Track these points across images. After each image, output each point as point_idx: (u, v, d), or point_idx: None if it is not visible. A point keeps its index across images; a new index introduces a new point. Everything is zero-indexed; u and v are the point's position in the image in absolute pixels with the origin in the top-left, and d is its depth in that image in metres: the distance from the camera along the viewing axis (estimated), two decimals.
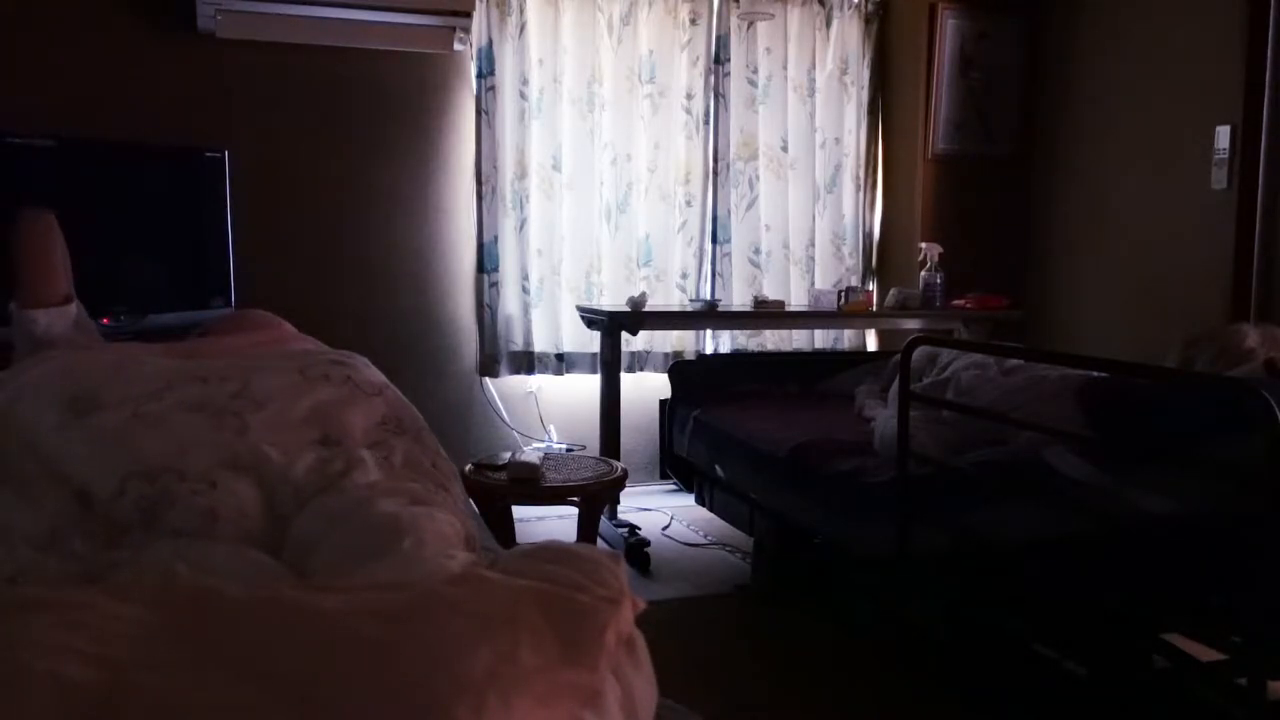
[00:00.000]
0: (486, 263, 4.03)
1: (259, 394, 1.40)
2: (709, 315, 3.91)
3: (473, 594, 0.81)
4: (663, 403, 3.85)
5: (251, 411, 1.36)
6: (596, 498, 3.06)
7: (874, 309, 4.07)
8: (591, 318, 3.88)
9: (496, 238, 4.02)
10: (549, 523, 3.76)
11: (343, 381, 1.48)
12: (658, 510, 4.00)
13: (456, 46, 3.85)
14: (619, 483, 3.09)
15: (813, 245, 4.46)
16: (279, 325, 1.89)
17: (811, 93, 4.42)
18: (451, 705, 0.68)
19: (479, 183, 4.01)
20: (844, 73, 4.46)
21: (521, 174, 4.04)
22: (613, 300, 4.11)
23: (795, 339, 4.58)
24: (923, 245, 4.00)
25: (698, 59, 4.24)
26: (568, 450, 3.81)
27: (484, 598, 0.81)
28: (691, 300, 4.18)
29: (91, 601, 0.79)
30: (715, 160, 4.29)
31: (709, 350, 4.44)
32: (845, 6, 4.43)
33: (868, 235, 4.57)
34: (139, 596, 0.80)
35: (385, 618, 0.76)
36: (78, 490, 1.23)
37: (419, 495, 1.28)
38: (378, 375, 1.58)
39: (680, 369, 3.91)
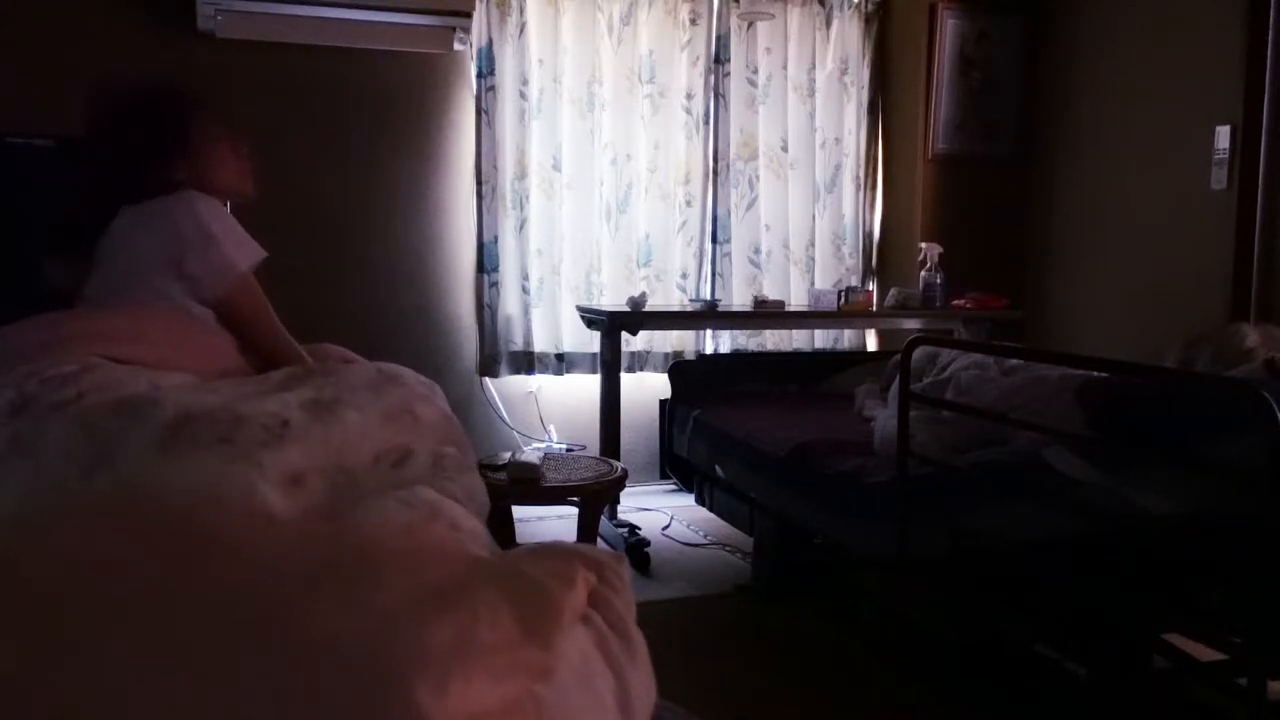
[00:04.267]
0: (486, 263, 4.03)
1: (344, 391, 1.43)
2: (709, 315, 3.91)
3: (428, 566, 0.81)
4: (663, 403, 3.85)
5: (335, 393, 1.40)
6: (596, 498, 3.06)
7: (874, 309, 4.07)
8: (591, 318, 3.88)
9: (496, 238, 4.02)
10: (549, 523, 3.76)
11: (422, 397, 1.51)
12: (658, 510, 4.00)
13: (456, 46, 3.85)
14: (619, 483, 3.09)
15: (813, 245, 4.47)
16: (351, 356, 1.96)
17: (811, 93, 4.42)
18: (410, 682, 0.67)
19: (479, 183, 4.01)
20: (844, 73, 4.46)
21: (521, 174, 4.04)
22: (613, 300, 4.11)
23: (795, 339, 4.59)
24: (923, 245, 4.00)
25: (698, 59, 4.24)
26: (568, 450, 3.81)
27: (439, 571, 0.80)
28: (691, 300, 4.18)
29: (6, 553, 0.78)
30: (715, 160, 4.29)
31: (709, 350, 4.44)
32: (845, 6, 4.43)
33: (868, 235, 4.58)
34: (67, 531, 0.79)
35: (336, 587, 0.75)
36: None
37: (456, 495, 1.30)
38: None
39: (680, 369, 3.90)
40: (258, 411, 1.21)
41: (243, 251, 1.71)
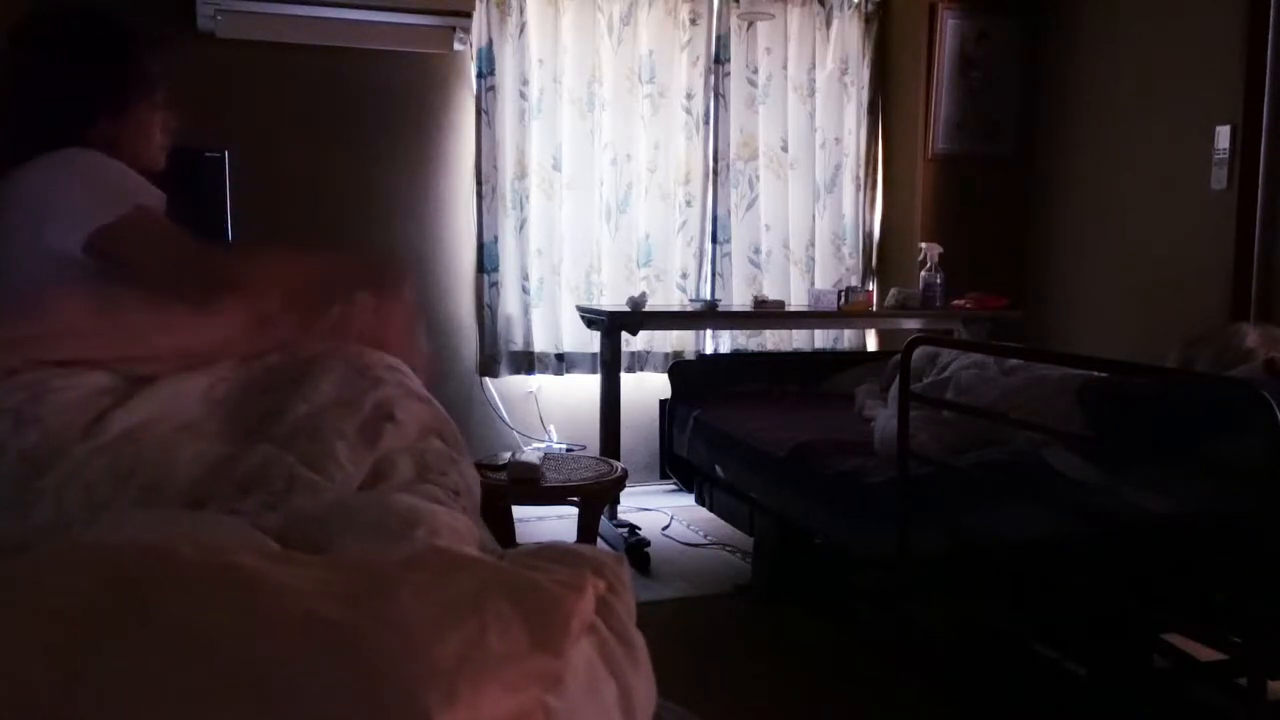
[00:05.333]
0: (486, 263, 4.03)
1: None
2: (709, 315, 3.91)
3: (437, 578, 0.81)
4: (663, 403, 3.85)
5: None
6: (596, 498, 3.06)
7: (874, 309, 4.07)
8: (591, 318, 3.88)
9: (496, 238, 4.02)
10: (549, 523, 3.76)
11: (397, 385, 1.46)
12: (658, 510, 4.00)
13: (456, 46, 3.85)
14: (619, 483, 3.09)
15: (813, 245, 4.47)
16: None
17: (811, 93, 4.42)
18: (423, 693, 0.67)
19: (479, 183, 4.01)
20: (844, 73, 4.46)
21: (521, 174, 4.04)
22: (613, 300, 4.11)
23: (795, 339, 4.59)
24: (923, 245, 4.00)
25: (698, 59, 4.24)
26: (568, 450, 3.81)
27: (449, 582, 0.80)
28: (691, 300, 4.18)
29: (40, 575, 0.78)
30: (715, 160, 4.29)
31: (709, 350, 4.44)
32: (845, 6, 4.43)
33: (868, 235, 4.58)
34: (84, 566, 0.79)
35: (348, 601, 0.75)
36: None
37: (438, 497, 1.29)
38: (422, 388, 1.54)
39: (680, 369, 3.90)
40: (257, 475, 1.20)
41: (141, 188, 1.45)
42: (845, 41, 4.45)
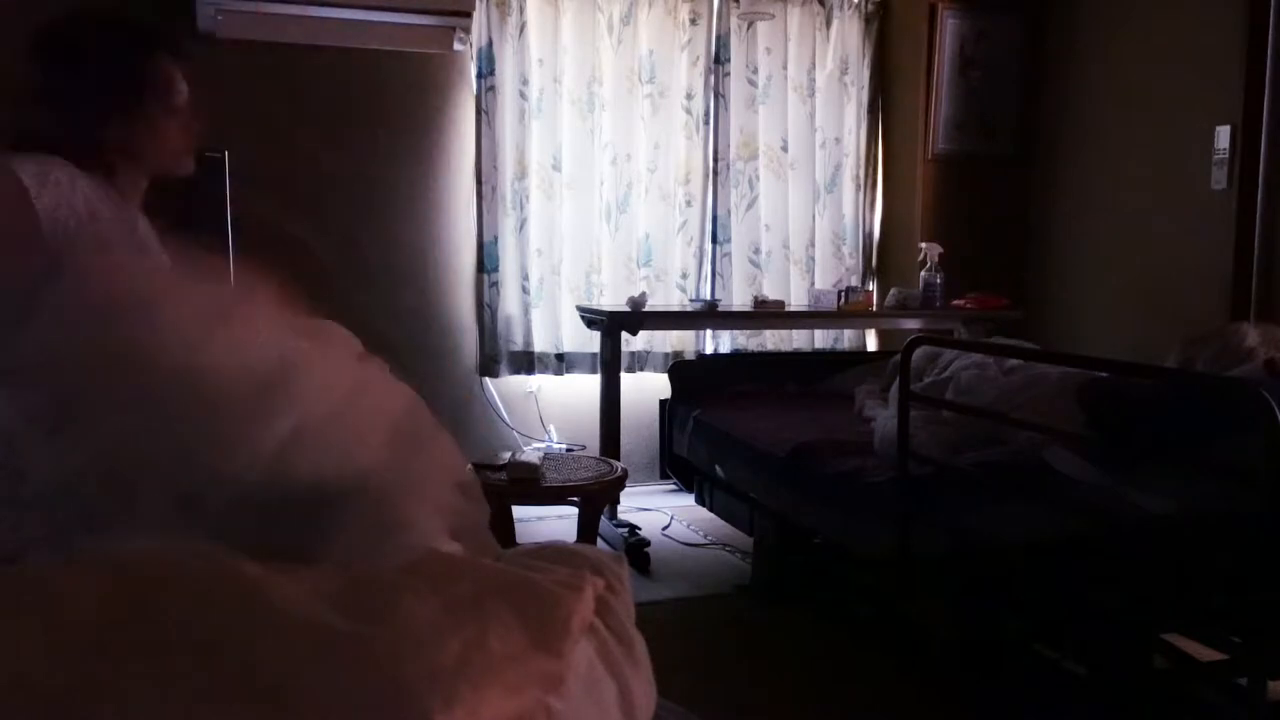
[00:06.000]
0: (486, 263, 4.03)
1: None
2: (709, 315, 3.92)
3: (437, 582, 0.81)
4: (663, 403, 3.85)
5: None
6: (596, 498, 3.06)
7: (874, 309, 4.07)
8: (591, 318, 3.88)
9: (496, 238, 4.02)
10: (549, 523, 3.76)
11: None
12: (658, 510, 4.00)
13: (456, 46, 3.85)
14: (619, 483, 3.09)
15: (813, 245, 4.47)
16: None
17: (811, 93, 4.42)
18: (423, 695, 0.68)
19: (479, 183, 4.01)
20: (844, 73, 4.46)
21: (521, 174, 4.04)
22: (613, 300, 4.11)
23: (795, 339, 4.59)
24: (923, 245, 4.00)
25: (698, 59, 4.24)
26: (568, 450, 3.81)
27: (449, 586, 0.81)
28: (691, 300, 4.19)
29: (52, 581, 0.78)
30: (715, 160, 4.29)
31: (709, 350, 4.44)
32: (845, 6, 4.43)
33: (868, 235, 4.58)
34: (93, 572, 0.79)
35: (350, 607, 0.76)
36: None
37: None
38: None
39: (680, 369, 3.91)
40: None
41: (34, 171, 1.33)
42: (845, 41, 4.45)
